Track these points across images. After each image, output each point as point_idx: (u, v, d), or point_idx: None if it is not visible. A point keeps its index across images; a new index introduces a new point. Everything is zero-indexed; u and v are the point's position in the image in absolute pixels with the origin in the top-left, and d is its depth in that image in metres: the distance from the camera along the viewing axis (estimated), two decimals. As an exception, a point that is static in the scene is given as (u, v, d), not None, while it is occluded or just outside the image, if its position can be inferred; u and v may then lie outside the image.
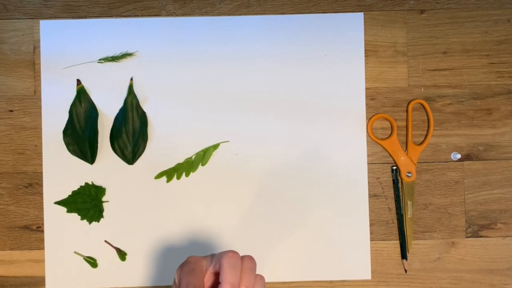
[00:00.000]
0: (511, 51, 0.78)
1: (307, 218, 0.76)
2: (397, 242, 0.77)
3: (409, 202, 0.76)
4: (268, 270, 0.76)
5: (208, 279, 0.49)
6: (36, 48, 0.77)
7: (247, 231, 0.76)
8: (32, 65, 0.77)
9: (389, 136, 0.78)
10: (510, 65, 0.78)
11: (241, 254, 0.53)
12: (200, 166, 0.76)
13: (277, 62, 0.77)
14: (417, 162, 0.77)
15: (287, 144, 0.77)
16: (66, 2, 0.77)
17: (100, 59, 0.76)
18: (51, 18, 0.77)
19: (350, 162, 0.77)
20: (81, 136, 0.75)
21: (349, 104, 0.77)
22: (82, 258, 0.76)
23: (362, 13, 0.78)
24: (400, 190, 0.77)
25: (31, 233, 0.76)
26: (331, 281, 0.76)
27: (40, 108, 0.77)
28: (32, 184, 0.76)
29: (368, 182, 0.77)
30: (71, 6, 0.77)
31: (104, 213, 0.76)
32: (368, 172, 0.77)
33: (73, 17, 0.77)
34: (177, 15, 0.78)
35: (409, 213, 0.76)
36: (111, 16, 0.77)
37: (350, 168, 0.77)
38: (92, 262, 0.75)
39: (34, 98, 0.77)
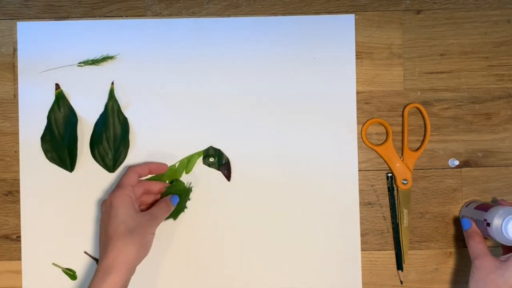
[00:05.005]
0: (511, 53, 0.78)
1: (295, 227, 0.76)
2: (393, 252, 0.76)
3: (405, 211, 0.76)
4: (253, 280, 0.76)
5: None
6: (15, 50, 0.77)
7: (231, 240, 0.76)
8: (11, 68, 0.76)
9: (384, 142, 0.77)
10: (510, 68, 0.78)
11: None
12: (184, 174, 0.76)
13: (265, 65, 0.77)
14: (413, 169, 0.77)
15: (275, 151, 0.76)
16: (47, 2, 0.77)
17: (80, 63, 0.76)
18: (31, 19, 0.77)
19: (341, 169, 0.77)
20: (59, 143, 0.75)
21: (340, 108, 0.77)
22: (61, 269, 0.75)
23: (353, 15, 0.78)
24: (396, 198, 0.77)
25: (11, 242, 0.75)
26: (321, 293, 0.77)
27: (19, 113, 0.77)
28: (12, 192, 0.76)
29: (363, 190, 0.77)
30: (53, 6, 0.77)
31: (84, 224, 0.75)
32: (363, 179, 0.77)
33: (55, 18, 0.77)
34: (163, 16, 0.77)
35: (405, 222, 0.76)
36: (94, 16, 0.77)
37: (340, 175, 0.77)
38: (71, 274, 0.75)
39: (14, 102, 0.76)
